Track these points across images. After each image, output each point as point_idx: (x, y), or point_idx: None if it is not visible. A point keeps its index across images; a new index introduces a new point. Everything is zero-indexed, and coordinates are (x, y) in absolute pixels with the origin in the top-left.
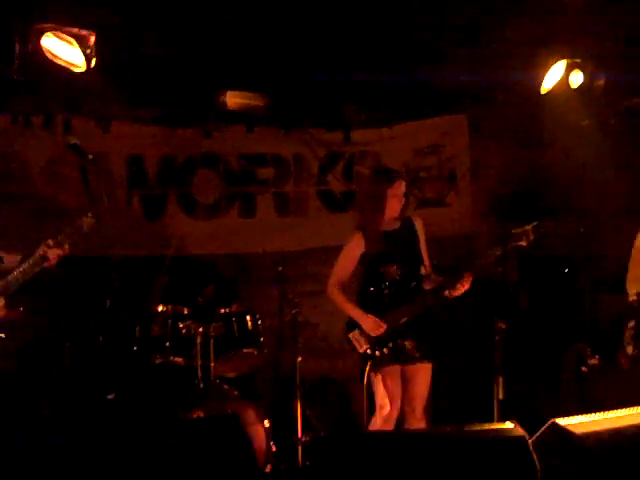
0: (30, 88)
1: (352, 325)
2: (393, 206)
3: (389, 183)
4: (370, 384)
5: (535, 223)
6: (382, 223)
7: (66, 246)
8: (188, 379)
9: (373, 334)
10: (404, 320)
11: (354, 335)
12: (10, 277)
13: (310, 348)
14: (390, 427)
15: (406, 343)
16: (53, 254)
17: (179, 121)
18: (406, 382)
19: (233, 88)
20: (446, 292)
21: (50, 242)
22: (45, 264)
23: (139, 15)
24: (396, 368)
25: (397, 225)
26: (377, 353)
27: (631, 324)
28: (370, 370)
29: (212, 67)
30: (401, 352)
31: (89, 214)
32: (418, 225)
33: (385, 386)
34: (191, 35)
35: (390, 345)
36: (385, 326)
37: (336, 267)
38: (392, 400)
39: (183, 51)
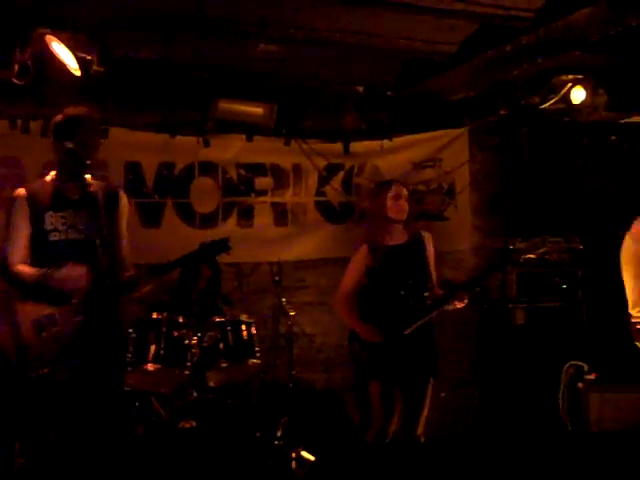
0: (29, 93)
1: (354, 338)
2: (394, 209)
3: (387, 188)
4: (367, 398)
5: (536, 239)
6: (388, 235)
7: None
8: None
9: (369, 341)
10: (407, 332)
11: (355, 347)
12: None
13: (305, 359)
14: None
15: (404, 358)
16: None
17: (178, 129)
18: (404, 399)
19: (233, 97)
20: (445, 307)
21: None
22: None
23: (140, 21)
24: (394, 383)
25: (404, 239)
26: (375, 366)
27: None
28: (367, 383)
29: (212, 75)
30: (400, 367)
31: None
32: (427, 239)
33: (382, 400)
34: (192, 42)
35: (389, 359)
36: (382, 335)
37: (343, 280)
38: (389, 415)
39: (183, 58)
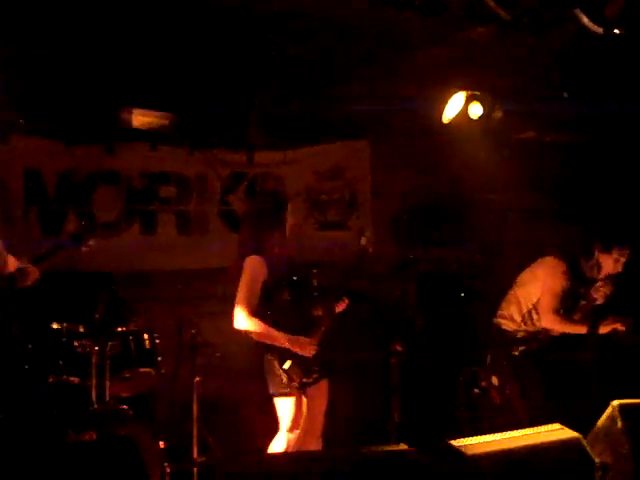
0: None
1: (283, 356)
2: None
3: (286, 206)
4: (278, 406)
5: (435, 249)
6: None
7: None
8: (82, 399)
9: (309, 354)
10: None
11: (290, 366)
12: None
13: (208, 369)
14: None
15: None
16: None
17: (81, 136)
18: (310, 401)
19: (137, 105)
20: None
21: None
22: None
23: (40, 27)
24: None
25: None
26: (310, 378)
27: (489, 357)
28: (298, 393)
29: (116, 83)
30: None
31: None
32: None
33: (301, 407)
34: (95, 50)
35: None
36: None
37: (246, 296)
38: (301, 421)
39: (87, 66)
